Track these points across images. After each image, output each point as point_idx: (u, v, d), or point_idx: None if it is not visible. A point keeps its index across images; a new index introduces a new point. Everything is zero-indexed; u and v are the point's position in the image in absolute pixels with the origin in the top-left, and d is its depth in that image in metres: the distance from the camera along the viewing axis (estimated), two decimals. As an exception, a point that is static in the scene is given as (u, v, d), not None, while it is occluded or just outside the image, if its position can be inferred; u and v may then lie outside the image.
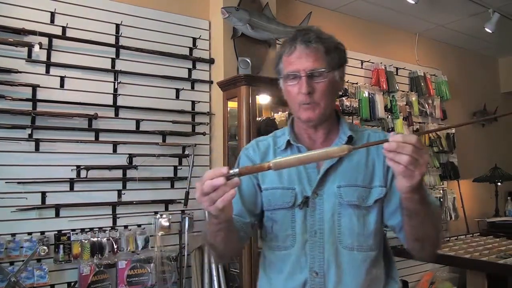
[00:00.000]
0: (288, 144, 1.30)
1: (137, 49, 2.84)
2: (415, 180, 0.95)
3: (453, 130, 4.73)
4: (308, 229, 1.21)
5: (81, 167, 2.58)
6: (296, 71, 1.20)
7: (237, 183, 0.95)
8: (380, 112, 4.03)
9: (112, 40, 2.79)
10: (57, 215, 2.50)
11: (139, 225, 2.77)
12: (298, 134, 1.32)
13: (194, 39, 3.12)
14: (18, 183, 2.40)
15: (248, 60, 2.96)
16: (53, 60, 2.57)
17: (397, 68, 4.42)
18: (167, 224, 2.79)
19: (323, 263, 1.19)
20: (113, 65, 2.78)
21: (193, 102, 3.07)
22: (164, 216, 2.80)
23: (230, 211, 1.04)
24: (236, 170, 0.95)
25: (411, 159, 0.91)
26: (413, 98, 4.40)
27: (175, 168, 2.95)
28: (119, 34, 2.81)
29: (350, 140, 1.26)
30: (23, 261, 2.31)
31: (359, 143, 1.26)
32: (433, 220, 1.11)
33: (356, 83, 4.01)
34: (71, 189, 2.56)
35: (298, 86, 1.21)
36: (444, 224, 4.54)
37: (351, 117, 3.85)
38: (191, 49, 3.10)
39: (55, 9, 2.59)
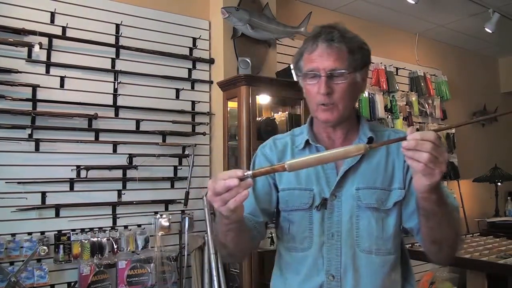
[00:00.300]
0: (307, 143, 1.27)
1: (137, 49, 2.84)
2: (435, 179, 0.92)
3: (453, 130, 4.73)
4: (325, 232, 1.19)
5: (81, 167, 2.58)
6: (316, 70, 1.17)
7: (250, 184, 0.93)
8: (380, 112, 4.03)
9: (112, 40, 2.79)
10: (57, 215, 2.50)
11: (139, 225, 2.77)
12: (316, 133, 1.29)
13: (194, 39, 3.12)
14: (18, 183, 2.40)
15: (248, 60, 2.96)
16: (53, 60, 2.57)
17: (397, 68, 4.42)
18: (167, 224, 2.79)
19: (340, 267, 1.17)
20: (113, 65, 2.78)
21: (193, 102, 3.07)
22: (164, 216, 2.80)
23: (242, 212, 1.02)
24: (250, 172, 0.94)
25: (431, 157, 0.89)
26: (413, 98, 4.40)
27: (175, 168, 2.95)
28: (119, 34, 2.81)
29: (370, 141, 1.23)
30: (23, 261, 2.30)
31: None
32: (451, 222, 1.07)
33: (356, 83, 4.00)
34: (71, 189, 2.57)
35: (317, 85, 1.17)
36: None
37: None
38: (191, 49, 3.10)
39: (55, 9, 2.59)
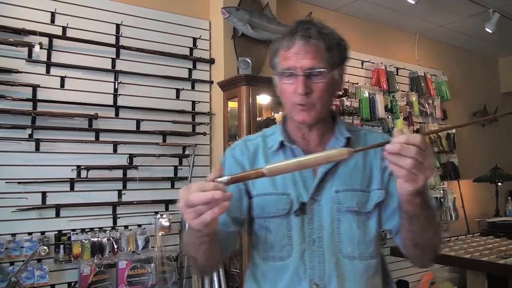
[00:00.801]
0: (281, 145, 1.20)
1: (137, 49, 2.84)
2: (418, 185, 0.88)
3: (453, 130, 4.72)
4: (306, 238, 1.12)
5: (82, 167, 2.58)
6: (293, 68, 1.10)
7: (230, 196, 0.85)
8: (381, 112, 4.03)
9: (112, 40, 2.79)
10: (58, 215, 2.51)
11: (139, 225, 2.77)
12: (291, 134, 1.22)
13: (195, 39, 3.12)
14: (19, 183, 2.40)
15: (249, 60, 2.96)
16: (53, 60, 2.57)
17: (397, 68, 4.42)
18: (168, 224, 2.79)
19: (324, 274, 1.10)
20: (113, 65, 2.78)
21: (194, 102, 3.07)
22: (164, 216, 2.80)
23: (216, 224, 0.93)
24: (225, 178, 0.86)
25: (414, 163, 0.84)
26: (414, 98, 4.40)
27: (176, 168, 2.95)
28: (120, 34, 2.81)
29: (348, 142, 1.19)
30: (23, 261, 2.31)
31: (356, 144, 1.19)
32: (433, 225, 1.04)
33: (357, 83, 4.01)
34: (72, 189, 2.57)
35: (294, 85, 1.11)
36: (445, 224, 4.54)
37: (351, 117, 3.85)
38: (191, 49, 3.10)
39: (55, 9, 2.59)
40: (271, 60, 1.20)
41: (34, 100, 2.49)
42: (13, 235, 2.37)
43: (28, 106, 2.46)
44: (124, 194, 2.73)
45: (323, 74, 1.11)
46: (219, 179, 0.86)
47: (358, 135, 1.23)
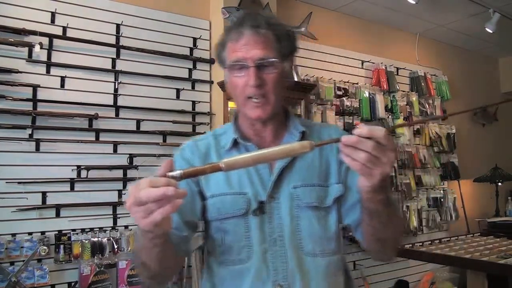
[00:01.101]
0: (234, 143, 1.15)
1: (137, 49, 2.84)
2: (374, 180, 0.85)
3: (454, 130, 4.73)
4: (267, 238, 1.08)
5: (82, 167, 2.58)
6: (243, 60, 1.06)
7: (184, 194, 0.79)
8: (381, 112, 4.03)
9: (112, 40, 2.79)
10: (58, 215, 2.50)
11: (139, 225, 2.76)
12: (243, 131, 1.17)
13: (195, 39, 3.12)
14: (19, 183, 2.40)
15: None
16: (53, 60, 2.57)
17: (397, 68, 4.42)
18: (168, 224, 2.79)
19: (287, 274, 1.06)
20: (113, 65, 2.78)
21: (194, 102, 3.07)
22: (164, 216, 2.80)
23: (169, 225, 0.85)
24: (178, 172, 0.79)
25: (369, 157, 0.81)
26: (414, 98, 4.40)
27: (176, 168, 2.94)
28: (120, 34, 2.81)
29: (303, 136, 1.16)
30: (23, 261, 2.30)
31: (311, 138, 1.13)
32: (395, 222, 1.02)
33: (357, 83, 4.01)
34: (72, 189, 2.56)
35: (245, 77, 1.06)
36: (445, 224, 4.55)
37: (351, 117, 3.86)
38: (191, 49, 3.10)
39: (55, 9, 2.59)
40: (219, 54, 1.15)
41: (34, 100, 2.49)
42: (13, 235, 2.36)
43: (28, 106, 2.46)
44: (124, 194, 2.73)
45: (275, 64, 1.07)
46: (170, 174, 0.79)
47: (313, 130, 1.21)
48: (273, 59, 1.07)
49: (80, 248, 2.49)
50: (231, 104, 2.97)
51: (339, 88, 3.84)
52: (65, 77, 2.60)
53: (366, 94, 3.97)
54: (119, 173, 2.73)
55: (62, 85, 2.59)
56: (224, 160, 0.82)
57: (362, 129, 0.82)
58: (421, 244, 3.42)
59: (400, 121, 4.19)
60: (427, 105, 4.55)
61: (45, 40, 2.52)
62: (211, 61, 3.17)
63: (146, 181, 0.78)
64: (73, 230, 2.52)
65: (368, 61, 4.18)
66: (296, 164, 1.13)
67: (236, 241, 1.09)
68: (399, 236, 1.10)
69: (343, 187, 1.14)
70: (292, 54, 1.15)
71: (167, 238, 0.93)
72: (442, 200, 4.52)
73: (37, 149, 2.48)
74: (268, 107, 1.09)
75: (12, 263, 2.33)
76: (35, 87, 2.50)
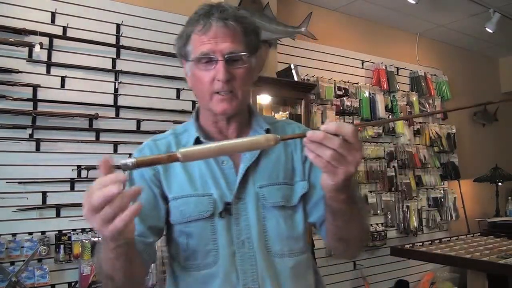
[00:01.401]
0: (197, 141, 1.10)
1: (137, 49, 2.84)
2: (338, 179, 0.82)
3: (454, 130, 4.73)
4: (234, 240, 1.03)
5: (82, 167, 2.58)
6: (211, 52, 1.01)
7: (138, 192, 0.74)
8: (381, 112, 4.03)
9: (112, 40, 2.79)
10: (58, 215, 2.50)
11: (139, 225, 2.76)
12: (206, 129, 1.13)
13: (195, 39, 3.12)
14: (19, 183, 2.40)
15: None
16: (53, 60, 2.57)
17: (397, 68, 4.42)
18: (168, 224, 2.79)
19: (257, 277, 1.02)
20: (113, 65, 2.78)
21: (194, 102, 3.07)
22: (164, 216, 2.80)
23: (132, 231, 0.81)
24: (132, 160, 0.73)
25: (335, 154, 0.78)
26: (414, 98, 4.40)
27: (176, 168, 2.94)
28: (120, 34, 2.81)
29: (268, 133, 1.11)
30: (23, 261, 2.30)
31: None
32: (359, 220, 1.00)
33: (357, 83, 4.01)
34: (72, 189, 2.56)
35: (213, 71, 1.01)
36: (445, 224, 4.55)
37: (352, 117, 3.86)
38: (191, 49, 3.09)
39: (55, 9, 2.59)
40: (180, 47, 1.08)
41: (35, 100, 2.49)
42: (14, 235, 2.36)
43: (28, 106, 2.46)
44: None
45: (244, 59, 1.04)
46: (122, 162, 0.73)
47: (277, 127, 1.18)
48: (243, 53, 1.03)
49: (80, 248, 2.49)
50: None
51: (339, 88, 3.84)
52: (65, 77, 2.60)
53: (366, 94, 3.98)
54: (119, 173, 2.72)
55: (62, 85, 2.59)
56: (181, 150, 0.75)
57: (329, 124, 0.78)
58: (421, 244, 3.42)
59: (400, 121, 4.19)
60: (427, 105, 4.55)
61: (45, 40, 2.52)
62: (211, 61, 3.16)
63: (98, 181, 0.72)
64: (73, 230, 2.52)
65: (368, 61, 4.18)
66: (261, 163, 1.09)
67: (201, 245, 1.04)
68: (363, 235, 1.06)
69: (307, 184, 1.11)
70: (258, 50, 1.11)
71: (131, 246, 0.86)
72: (442, 200, 4.52)
73: (37, 149, 2.48)
74: (235, 102, 1.04)
75: (12, 263, 2.33)
76: (35, 87, 2.50)
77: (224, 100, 1.03)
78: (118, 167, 0.74)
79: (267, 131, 1.13)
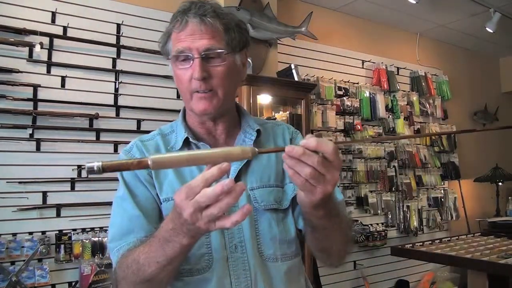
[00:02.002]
0: (186, 142, 1.07)
1: (138, 49, 2.84)
2: (314, 198, 0.78)
3: (454, 130, 4.72)
4: (227, 244, 1.01)
5: (82, 167, 2.58)
6: (188, 50, 0.98)
7: (243, 189, 0.73)
8: (381, 112, 4.03)
9: (113, 40, 2.79)
10: (58, 215, 2.50)
11: (140, 225, 2.76)
12: (194, 130, 1.09)
13: (195, 39, 3.12)
14: (19, 182, 2.40)
15: (249, 60, 2.95)
16: (54, 60, 2.57)
17: (398, 68, 4.42)
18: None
19: (251, 282, 1.00)
20: (114, 65, 2.78)
21: (194, 102, 3.07)
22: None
23: None
24: (97, 163, 0.69)
25: (314, 173, 0.74)
26: (414, 98, 4.40)
27: (176, 168, 2.94)
28: (120, 34, 2.81)
29: (258, 134, 1.11)
30: (24, 260, 2.31)
31: (266, 137, 1.12)
32: (340, 232, 0.96)
33: (357, 83, 4.01)
34: (72, 189, 2.56)
35: (190, 70, 0.98)
36: (446, 224, 4.55)
37: (352, 117, 3.86)
38: (192, 49, 3.09)
39: (56, 9, 2.59)
40: (163, 46, 1.07)
41: (35, 100, 2.49)
42: (14, 234, 2.36)
43: (29, 106, 2.46)
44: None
45: (222, 56, 0.99)
46: (88, 165, 0.69)
47: (267, 128, 1.15)
48: (220, 50, 0.98)
49: (81, 248, 2.49)
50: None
51: (339, 88, 3.84)
52: (66, 76, 2.60)
53: (367, 94, 3.97)
54: (119, 173, 2.72)
55: (63, 85, 2.59)
56: (152, 156, 0.70)
57: (309, 140, 0.74)
58: (421, 244, 3.42)
59: (400, 121, 4.19)
60: (427, 105, 4.55)
61: (45, 40, 2.52)
62: (211, 61, 3.16)
63: (198, 181, 0.72)
64: (74, 229, 2.52)
65: (368, 61, 4.18)
66: (252, 165, 1.07)
67: (195, 249, 0.97)
68: (346, 245, 1.03)
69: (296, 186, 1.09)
70: (245, 47, 1.07)
71: None
72: (442, 200, 4.52)
73: (38, 149, 2.48)
74: (215, 101, 1.00)
75: (12, 263, 2.33)
76: (35, 87, 2.50)
77: (203, 98, 1.00)
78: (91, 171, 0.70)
79: (258, 131, 1.11)
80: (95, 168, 0.69)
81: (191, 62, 0.98)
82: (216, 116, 1.05)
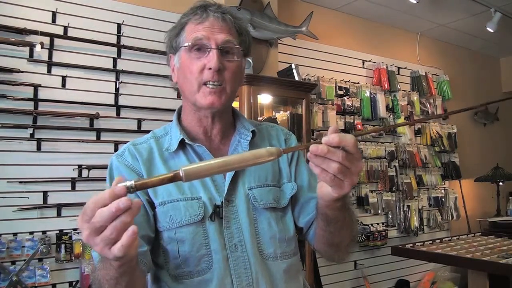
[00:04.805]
0: (182, 144, 1.06)
1: (138, 49, 2.84)
2: (344, 191, 0.81)
3: (455, 129, 4.73)
4: (227, 244, 1.00)
5: (83, 166, 2.58)
6: (206, 39, 0.99)
7: (139, 203, 0.67)
8: (382, 111, 4.03)
9: (113, 39, 2.79)
10: (59, 214, 2.50)
11: (140, 225, 2.76)
12: (189, 131, 1.09)
13: (196, 39, 3.12)
14: (20, 182, 2.40)
15: (250, 60, 2.95)
16: (54, 59, 2.57)
17: (398, 68, 4.42)
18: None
19: (252, 281, 1.00)
20: (114, 65, 2.78)
21: (195, 102, 3.07)
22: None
23: (136, 247, 0.70)
24: (130, 183, 0.66)
25: (341, 168, 0.75)
26: (415, 97, 4.40)
27: (177, 167, 2.94)
28: (121, 34, 2.81)
29: (253, 135, 1.11)
30: (24, 260, 2.31)
31: (260, 139, 1.13)
32: (351, 225, 0.99)
33: (358, 83, 4.01)
34: (73, 188, 2.57)
35: (204, 60, 0.99)
36: (446, 223, 4.55)
37: (352, 117, 3.86)
38: (192, 49, 3.09)
39: (56, 8, 2.59)
40: (172, 38, 1.06)
41: (36, 99, 2.49)
42: (15, 234, 2.37)
43: (29, 106, 2.46)
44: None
45: (237, 52, 1.02)
46: (121, 184, 0.66)
47: (261, 129, 1.16)
48: (237, 46, 1.02)
49: (81, 248, 2.49)
50: (235, 104, 2.97)
51: (340, 88, 3.84)
52: (66, 76, 2.60)
53: (367, 94, 3.97)
54: (120, 173, 2.72)
55: (63, 85, 2.59)
56: (184, 168, 0.68)
57: (330, 137, 0.75)
58: (422, 243, 3.42)
59: (401, 120, 4.19)
60: (428, 105, 4.55)
61: (46, 40, 2.52)
62: (212, 61, 3.16)
63: (91, 203, 0.66)
64: (74, 229, 2.52)
65: (369, 61, 4.17)
66: None
67: (194, 251, 0.99)
68: (353, 239, 1.06)
69: (295, 185, 1.10)
70: (249, 53, 1.10)
71: (134, 261, 0.78)
72: (443, 199, 4.51)
73: (38, 148, 2.48)
74: (223, 97, 1.01)
75: (13, 262, 2.33)
76: (36, 87, 2.50)
77: (213, 93, 1.00)
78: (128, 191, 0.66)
79: (253, 132, 1.12)
80: (129, 186, 0.66)
81: (207, 52, 0.99)
82: (217, 113, 1.05)
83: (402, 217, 4.10)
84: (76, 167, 2.58)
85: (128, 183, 0.66)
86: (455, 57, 5.09)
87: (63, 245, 2.46)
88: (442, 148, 4.54)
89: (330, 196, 0.84)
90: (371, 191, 3.91)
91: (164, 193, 1.02)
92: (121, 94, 2.77)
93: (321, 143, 0.75)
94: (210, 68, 0.98)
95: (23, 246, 2.36)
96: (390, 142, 4.15)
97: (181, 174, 0.68)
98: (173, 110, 1.17)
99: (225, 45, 1.00)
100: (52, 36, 2.55)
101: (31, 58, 2.49)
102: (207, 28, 1.00)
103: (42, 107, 2.50)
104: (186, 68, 1.02)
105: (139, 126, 2.82)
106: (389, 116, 4.12)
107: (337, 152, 0.75)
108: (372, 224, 3.91)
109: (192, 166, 0.70)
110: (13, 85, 2.40)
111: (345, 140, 0.75)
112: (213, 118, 1.07)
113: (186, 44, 1.01)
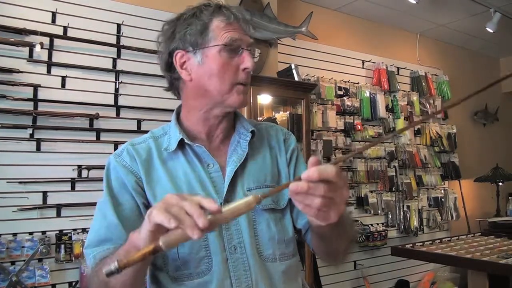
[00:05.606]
0: (181, 143, 1.05)
1: (138, 49, 2.84)
2: (332, 220, 0.77)
3: (454, 130, 4.73)
4: (226, 246, 1.00)
5: (83, 167, 2.58)
6: (239, 40, 1.01)
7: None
8: (381, 112, 4.03)
9: (113, 40, 2.79)
10: (58, 214, 2.50)
11: (140, 225, 2.76)
12: (190, 130, 1.09)
13: (195, 39, 3.11)
14: (20, 182, 2.40)
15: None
16: (54, 60, 2.57)
17: (398, 68, 4.42)
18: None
19: (252, 283, 1.00)
20: (114, 65, 2.78)
21: (194, 102, 3.07)
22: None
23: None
24: (115, 264, 0.69)
25: (324, 201, 0.72)
26: (415, 98, 4.40)
27: (176, 168, 2.94)
28: (121, 34, 2.81)
29: (253, 135, 1.11)
30: (24, 260, 2.31)
31: (260, 139, 1.13)
32: (346, 235, 0.98)
33: (357, 83, 4.01)
34: (73, 188, 2.56)
35: (238, 60, 1.01)
36: (446, 223, 4.55)
37: (352, 117, 3.86)
38: (192, 49, 3.09)
39: (56, 9, 2.59)
40: (198, 33, 1.01)
41: (35, 100, 2.49)
42: (14, 234, 2.36)
43: (29, 106, 2.46)
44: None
45: (255, 54, 1.07)
46: (105, 269, 0.69)
47: (260, 129, 1.16)
48: (258, 50, 1.07)
49: (81, 248, 2.49)
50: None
51: (340, 88, 3.84)
52: (66, 77, 2.60)
53: (367, 94, 3.97)
54: (120, 173, 2.72)
55: (63, 85, 2.59)
56: (162, 237, 0.71)
57: (310, 172, 0.71)
58: (421, 244, 3.42)
59: (401, 121, 4.19)
60: (428, 105, 4.54)
61: (45, 40, 2.52)
62: (211, 61, 3.16)
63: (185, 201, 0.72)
64: (74, 229, 2.52)
65: (369, 61, 4.18)
66: (248, 166, 1.07)
67: (193, 253, 0.99)
68: (350, 243, 1.05)
69: None
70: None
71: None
72: (443, 200, 4.52)
73: (38, 148, 2.48)
74: (247, 96, 1.05)
75: (13, 263, 2.33)
76: (35, 87, 2.50)
77: (243, 92, 1.03)
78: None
79: (252, 132, 1.11)
80: (111, 270, 0.69)
81: (239, 53, 1.01)
82: (229, 113, 1.07)
83: (401, 217, 4.11)
84: (76, 167, 2.58)
85: (113, 266, 0.68)
86: (455, 57, 5.09)
87: (62, 246, 2.46)
88: (442, 148, 4.54)
89: (318, 224, 0.80)
90: (371, 191, 3.91)
91: (162, 194, 1.00)
92: (120, 94, 2.77)
93: (301, 180, 0.72)
94: (246, 69, 1.01)
95: (23, 247, 2.36)
96: (390, 142, 4.15)
97: (160, 244, 0.70)
98: (173, 110, 1.17)
99: (251, 47, 1.03)
100: (51, 36, 2.55)
101: (30, 58, 2.49)
102: (238, 29, 1.02)
103: (42, 107, 2.50)
104: (220, 67, 1.01)
105: (138, 126, 2.82)
106: (388, 117, 4.12)
107: (319, 187, 0.71)
108: (372, 225, 3.91)
109: (169, 237, 0.71)
110: (13, 85, 2.40)
111: (325, 172, 0.71)
112: (223, 117, 1.07)
113: (220, 43, 1.00)
